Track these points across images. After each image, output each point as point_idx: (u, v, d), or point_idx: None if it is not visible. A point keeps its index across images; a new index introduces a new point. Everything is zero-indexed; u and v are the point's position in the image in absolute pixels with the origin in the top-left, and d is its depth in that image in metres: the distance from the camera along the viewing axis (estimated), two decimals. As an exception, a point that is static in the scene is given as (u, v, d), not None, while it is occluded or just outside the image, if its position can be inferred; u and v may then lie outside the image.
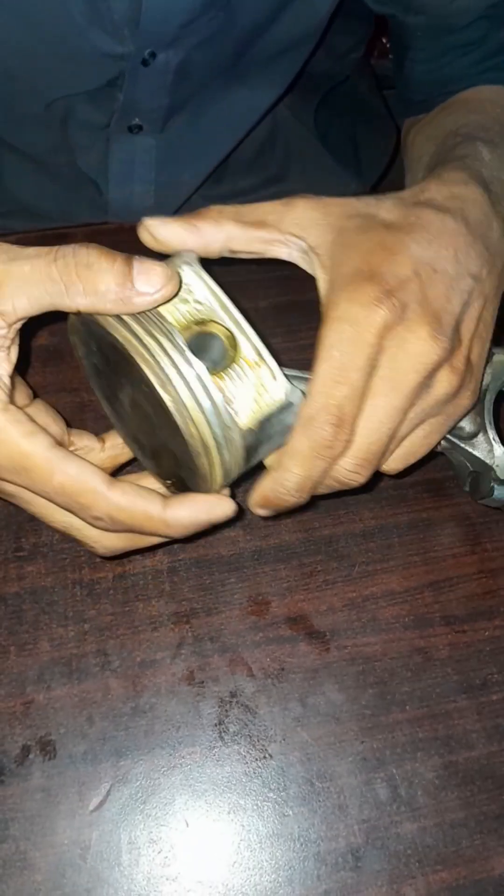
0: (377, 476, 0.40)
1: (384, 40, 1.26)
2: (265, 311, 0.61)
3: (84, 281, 0.34)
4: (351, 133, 0.83)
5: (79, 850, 0.41)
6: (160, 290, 0.34)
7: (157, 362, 0.33)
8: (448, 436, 0.44)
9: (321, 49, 0.67)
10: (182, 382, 0.34)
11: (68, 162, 0.67)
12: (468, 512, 0.52)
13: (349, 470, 0.37)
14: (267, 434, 0.36)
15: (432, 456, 0.42)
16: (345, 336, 0.35)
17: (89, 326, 0.37)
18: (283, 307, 0.61)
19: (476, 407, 0.44)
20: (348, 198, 0.39)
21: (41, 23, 0.54)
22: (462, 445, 0.45)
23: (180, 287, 0.35)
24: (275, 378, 0.36)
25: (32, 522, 0.49)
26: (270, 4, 0.57)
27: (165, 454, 0.39)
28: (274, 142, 0.76)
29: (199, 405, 0.34)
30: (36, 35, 0.55)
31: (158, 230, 0.37)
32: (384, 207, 0.39)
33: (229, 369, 0.35)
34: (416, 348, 0.35)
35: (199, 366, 0.34)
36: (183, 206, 0.71)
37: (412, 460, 0.40)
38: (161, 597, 0.48)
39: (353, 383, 0.35)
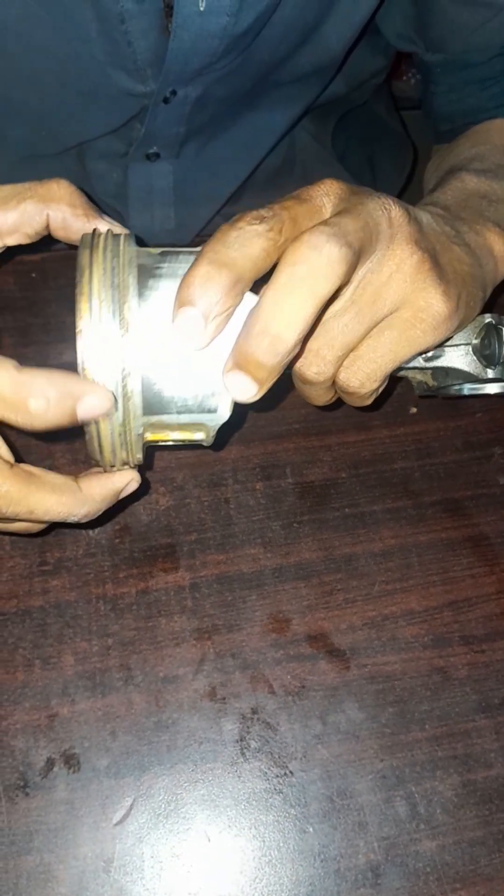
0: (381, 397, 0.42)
1: (400, 62, 1.28)
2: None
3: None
4: (368, 154, 0.84)
5: (102, 864, 0.41)
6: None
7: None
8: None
9: (342, 78, 0.69)
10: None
11: (87, 191, 0.68)
12: (487, 532, 0.52)
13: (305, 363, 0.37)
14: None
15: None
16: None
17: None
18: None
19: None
20: None
21: (64, 64, 0.55)
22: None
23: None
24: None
25: (57, 537, 0.50)
26: (288, 44, 0.59)
27: None
28: (293, 162, 0.77)
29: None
30: (59, 76, 0.56)
31: None
32: None
33: None
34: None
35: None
36: (204, 228, 0.72)
37: (371, 377, 0.38)
38: (183, 613, 0.48)
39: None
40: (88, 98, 0.58)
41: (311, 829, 0.43)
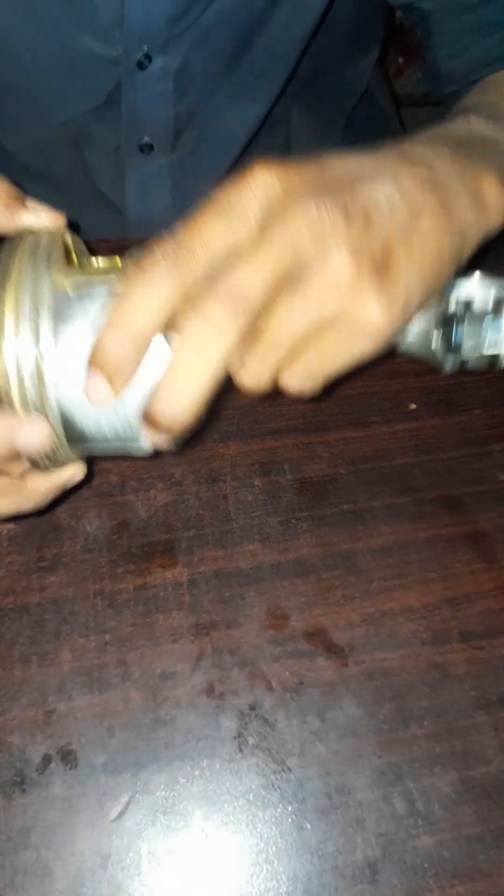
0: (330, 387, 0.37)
1: (400, 60, 1.28)
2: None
3: None
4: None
5: (99, 860, 0.41)
6: None
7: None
8: None
9: (334, 54, 0.67)
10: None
11: (86, 183, 0.68)
12: (486, 529, 0.52)
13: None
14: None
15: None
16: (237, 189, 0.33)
17: None
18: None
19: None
20: None
21: (33, 36, 0.54)
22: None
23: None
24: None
25: (55, 533, 0.50)
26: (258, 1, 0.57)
27: None
28: (290, 157, 0.77)
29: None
30: (32, 50, 0.56)
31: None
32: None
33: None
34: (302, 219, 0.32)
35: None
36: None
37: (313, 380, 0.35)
38: (181, 609, 0.48)
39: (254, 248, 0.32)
40: (64, 69, 0.57)
41: (308, 826, 0.43)
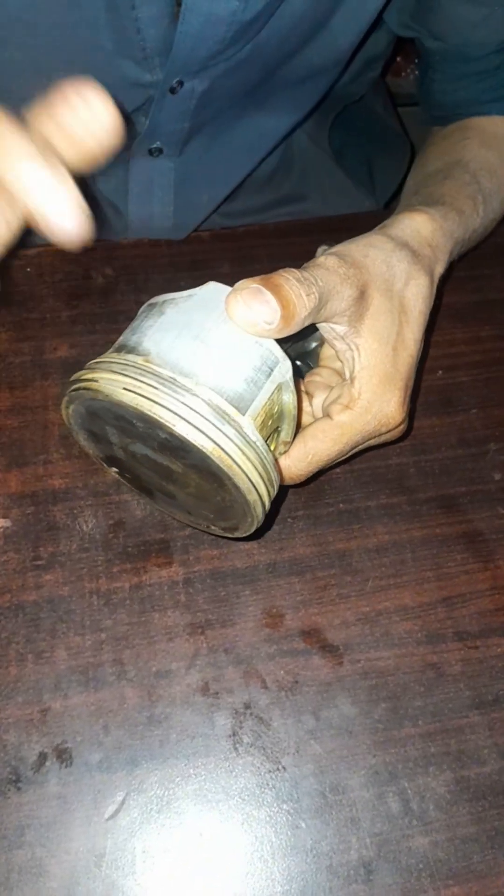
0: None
1: (398, 59, 1.28)
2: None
3: None
4: (366, 152, 0.84)
5: (93, 858, 0.41)
6: None
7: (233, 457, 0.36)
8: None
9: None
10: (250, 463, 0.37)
11: (87, 185, 0.68)
12: (481, 528, 0.52)
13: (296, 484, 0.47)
14: None
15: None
16: (365, 428, 0.43)
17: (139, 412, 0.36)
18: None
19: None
20: (373, 254, 0.44)
21: (70, 53, 0.54)
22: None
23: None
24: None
25: (51, 532, 0.50)
26: (296, 38, 0.59)
27: (187, 495, 0.43)
28: (290, 163, 0.77)
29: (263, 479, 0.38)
30: (66, 66, 0.56)
31: (252, 319, 0.37)
32: (399, 270, 0.45)
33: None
34: (393, 435, 0.46)
35: (265, 452, 0.38)
36: (201, 225, 0.72)
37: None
38: (177, 608, 0.48)
39: (342, 457, 0.45)
40: None
41: (303, 825, 0.43)
